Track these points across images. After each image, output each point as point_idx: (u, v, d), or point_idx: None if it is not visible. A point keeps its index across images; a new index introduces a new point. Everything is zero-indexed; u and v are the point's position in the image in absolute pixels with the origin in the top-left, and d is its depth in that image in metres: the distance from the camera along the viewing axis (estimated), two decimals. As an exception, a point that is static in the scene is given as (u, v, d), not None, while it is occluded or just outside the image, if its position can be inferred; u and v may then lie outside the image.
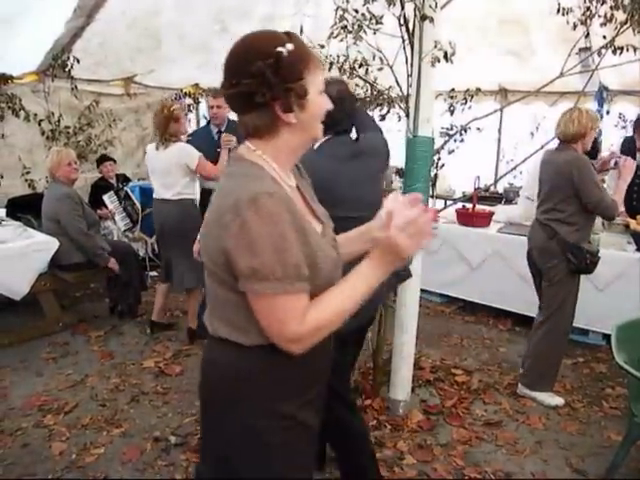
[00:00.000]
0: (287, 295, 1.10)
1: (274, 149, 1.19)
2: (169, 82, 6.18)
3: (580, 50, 3.39)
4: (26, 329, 3.89)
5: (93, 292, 4.88)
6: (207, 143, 3.85)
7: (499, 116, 6.48)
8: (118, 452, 2.61)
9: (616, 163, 3.07)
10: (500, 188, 6.25)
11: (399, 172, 5.90)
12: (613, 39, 2.68)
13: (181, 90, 6.37)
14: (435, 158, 2.80)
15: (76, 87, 5.32)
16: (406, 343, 2.88)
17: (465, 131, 2.95)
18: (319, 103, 1.19)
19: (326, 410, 1.45)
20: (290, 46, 1.11)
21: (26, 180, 5.20)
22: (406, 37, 2.61)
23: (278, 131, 1.17)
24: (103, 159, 5.43)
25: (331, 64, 2.89)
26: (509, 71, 5.82)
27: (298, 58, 1.12)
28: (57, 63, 4.93)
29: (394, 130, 6.96)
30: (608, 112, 5.59)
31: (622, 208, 3.24)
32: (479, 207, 4.66)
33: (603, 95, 5.39)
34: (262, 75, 1.09)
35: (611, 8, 2.64)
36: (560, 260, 2.95)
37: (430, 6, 2.41)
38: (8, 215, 4.29)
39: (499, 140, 6.80)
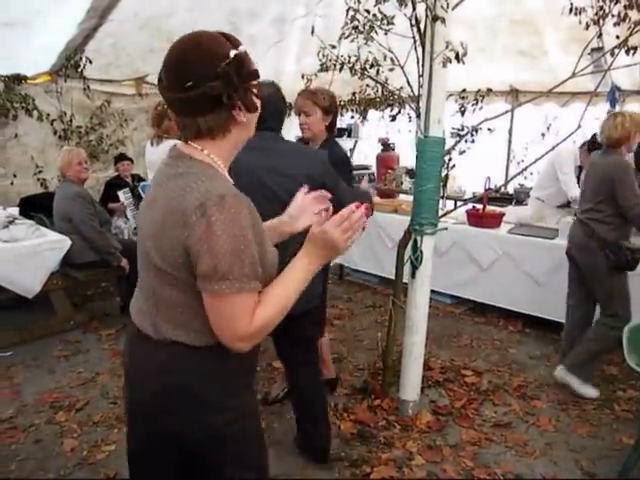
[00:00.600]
0: (242, 294, 1.12)
1: (220, 149, 1.21)
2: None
3: (592, 50, 3.36)
4: (38, 327, 3.93)
5: (104, 291, 4.92)
6: None
7: (510, 117, 6.45)
8: (129, 449, 2.63)
9: None
10: (510, 189, 6.23)
11: (409, 172, 5.90)
12: (627, 39, 2.67)
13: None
14: (446, 159, 2.79)
15: (88, 87, 5.39)
16: (416, 344, 2.88)
17: (476, 132, 2.95)
18: (258, 102, 1.23)
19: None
20: (242, 48, 1.14)
21: (38, 179, 5.27)
22: (417, 37, 2.61)
23: (229, 131, 1.20)
24: (121, 158, 5.47)
25: (342, 64, 2.89)
26: (520, 72, 5.80)
27: (250, 59, 1.17)
28: (70, 64, 5.01)
29: (404, 130, 7.00)
30: (620, 113, 5.55)
31: None
32: (489, 208, 4.64)
33: (615, 95, 5.34)
34: (228, 76, 1.11)
35: (625, 7, 2.62)
36: (599, 257, 3.01)
37: (442, 6, 2.41)
38: (21, 214, 4.33)
39: (509, 141, 6.77)
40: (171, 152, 1.25)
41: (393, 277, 3.08)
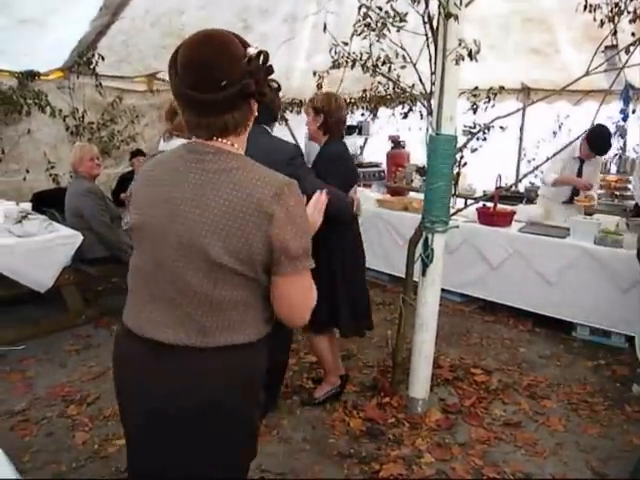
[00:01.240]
0: (310, 268, 1.24)
1: (241, 142, 1.26)
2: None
3: (606, 48, 3.33)
4: (50, 321, 3.96)
5: (115, 286, 4.94)
6: None
7: (521, 115, 6.41)
8: (139, 443, 2.65)
9: None
10: (521, 187, 6.20)
11: (419, 170, 5.88)
12: (642, 36, 2.64)
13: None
14: (458, 156, 2.78)
15: (100, 84, 5.42)
16: (426, 342, 2.87)
17: (488, 130, 2.93)
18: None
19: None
20: (256, 45, 1.19)
21: (50, 175, 5.31)
22: (430, 35, 2.60)
23: (248, 124, 1.26)
24: (137, 153, 5.51)
25: (354, 61, 2.89)
26: (532, 69, 5.76)
27: (268, 55, 1.20)
28: (82, 60, 5.03)
29: (415, 128, 6.98)
30: (634, 111, 5.51)
31: None
32: (500, 206, 4.62)
33: (629, 94, 5.30)
34: (257, 73, 1.15)
35: (641, 4, 2.60)
36: None
37: (455, 4, 2.40)
38: (33, 209, 4.37)
39: (521, 139, 6.73)
40: (195, 148, 1.22)
41: (403, 275, 3.08)
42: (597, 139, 4.23)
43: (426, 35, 2.62)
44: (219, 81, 1.11)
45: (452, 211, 2.86)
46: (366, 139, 8.30)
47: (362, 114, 7.60)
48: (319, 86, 3.47)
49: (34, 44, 4.38)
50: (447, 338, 3.88)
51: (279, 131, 7.20)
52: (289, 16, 5.14)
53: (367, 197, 5.46)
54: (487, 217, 4.43)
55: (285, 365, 2.94)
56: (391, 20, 2.69)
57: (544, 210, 4.68)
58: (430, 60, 2.65)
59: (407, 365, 3.00)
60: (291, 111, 7.23)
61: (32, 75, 5.01)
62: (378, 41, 2.76)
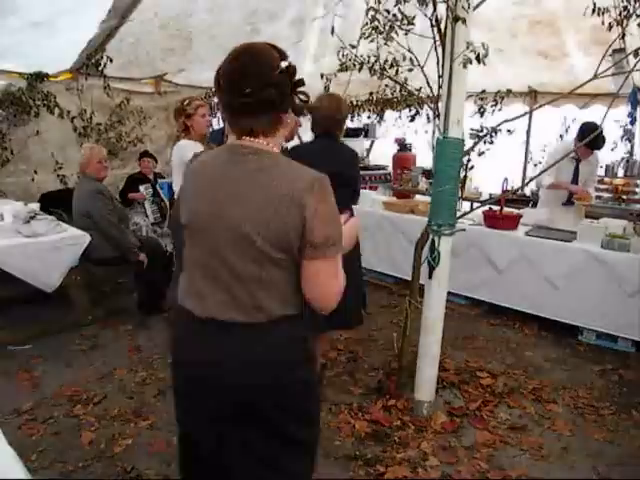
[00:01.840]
0: (339, 255, 1.35)
1: (276, 142, 1.40)
2: (199, 81, 6.27)
3: (614, 51, 3.32)
4: (57, 321, 3.98)
5: (121, 287, 4.97)
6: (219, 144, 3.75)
7: (528, 118, 6.40)
8: (145, 444, 2.66)
9: None
10: (527, 191, 6.18)
11: (425, 173, 5.88)
12: (651, 40, 2.63)
13: (211, 89, 6.44)
14: (464, 160, 2.78)
15: (108, 85, 5.45)
16: (431, 344, 2.87)
17: (495, 133, 2.93)
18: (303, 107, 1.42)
19: None
20: (288, 59, 1.34)
21: (58, 175, 5.34)
22: (438, 38, 2.60)
23: (278, 130, 1.38)
24: (145, 155, 5.55)
25: (362, 64, 2.90)
26: (539, 73, 5.75)
27: (295, 68, 1.35)
28: (91, 62, 5.06)
29: (421, 131, 6.98)
30: (642, 115, 5.48)
31: None
32: (506, 210, 4.61)
33: (637, 97, 5.27)
34: (281, 84, 1.30)
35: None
36: None
37: (462, 7, 2.40)
38: (41, 209, 4.39)
39: (527, 142, 6.72)
40: (238, 149, 1.36)
41: (409, 278, 3.08)
42: (591, 134, 4.22)
43: (434, 38, 2.62)
44: (244, 88, 1.27)
45: (458, 214, 2.86)
46: (372, 142, 8.31)
47: (369, 117, 7.61)
48: (326, 88, 3.47)
49: (43, 46, 4.41)
50: (453, 341, 3.87)
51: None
52: (297, 19, 5.16)
53: (373, 200, 5.46)
54: (493, 220, 4.42)
55: None
56: (399, 23, 2.69)
57: (548, 213, 4.68)
58: (437, 63, 2.65)
59: (413, 368, 3.00)
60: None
61: (41, 76, 5.05)
62: (385, 44, 2.76)
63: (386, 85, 3.79)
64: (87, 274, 4.10)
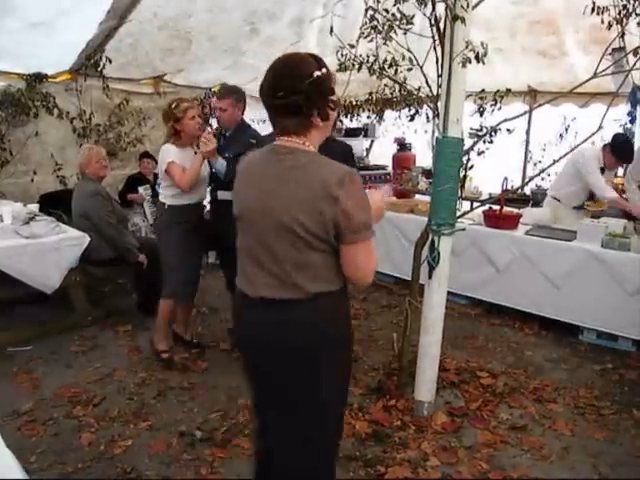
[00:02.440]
0: (372, 238, 1.54)
1: (312, 140, 1.58)
2: (198, 81, 6.26)
3: (613, 50, 3.32)
4: (56, 322, 3.98)
5: (121, 288, 4.96)
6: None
7: (527, 117, 6.39)
8: (145, 445, 2.66)
9: None
10: (527, 190, 6.17)
11: (425, 173, 5.88)
12: (650, 39, 2.63)
13: (210, 89, 6.44)
14: (464, 159, 2.77)
15: (107, 86, 5.45)
16: (432, 344, 2.86)
17: (495, 132, 2.92)
18: (335, 113, 1.61)
19: None
20: (324, 69, 1.52)
21: (58, 176, 5.34)
22: (437, 37, 2.60)
23: (310, 132, 1.56)
24: (145, 155, 5.54)
25: (361, 64, 2.89)
26: (539, 72, 5.75)
27: (329, 79, 1.54)
28: (90, 63, 5.06)
29: (420, 131, 6.97)
30: (642, 113, 5.47)
31: None
32: (506, 209, 4.61)
33: (637, 96, 5.27)
34: (307, 92, 1.47)
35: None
36: None
37: (462, 6, 2.39)
38: (41, 210, 4.39)
39: (527, 142, 6.71)
40: (278, 148, 1.56)
41: (409, 278, 3.07)
42: (623, 147, 4.23)
43: (433, 38, 2.62)
44: (277, 91, 1.47)
45: (458, 214, 2.85)
46: (372, 141, 8.30)
47: (368, 117, 7.60)
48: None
49: (42, 46, 4.41)
50: (453, 341, 3.87)
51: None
52: (296, 19, 5.15)
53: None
54: (493, 220, 4.42)
55: None
56: (398, 23, 2.68)
57: (551, 213, 4.66)
58: (437, 63, 2.64)
59: (413, 368, 3.00)
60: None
61: (40, 77, 5.05)
62: (385, 44, 2.75)
63: (385, 85, 3.78)
64: (86, 275, 4.09)
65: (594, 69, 2.76)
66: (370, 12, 2.71)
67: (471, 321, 4.37)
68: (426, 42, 2.67)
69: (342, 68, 2.87)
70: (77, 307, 4.07)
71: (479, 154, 3.01)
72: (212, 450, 2.62)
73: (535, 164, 6.65)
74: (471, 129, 3.14)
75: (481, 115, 3.19)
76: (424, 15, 2.59)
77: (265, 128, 7.34)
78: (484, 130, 2.99)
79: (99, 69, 5.14)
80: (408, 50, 2.77)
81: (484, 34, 4.02)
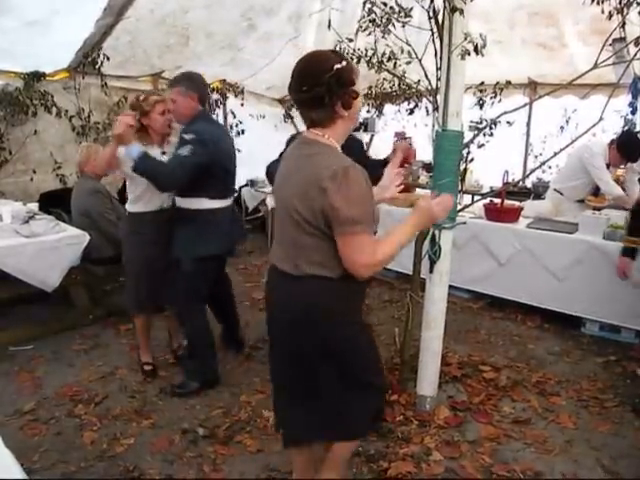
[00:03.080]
0: (366, 234, 1.61)
1: (334, 133, 1.70)
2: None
3: (614, 41, 3.29)
4: (58, 321, 3.98)
5: (122, 286, 4.95)
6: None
7: (527, 109, 6.35)
8: (147, 443, 2.66)
9: None
10: (528, 183, 6.15)
11: (426, 167, 5.85)
12: (652, 28, 2.60)
13: (208, 85, 6.40)
14: (464, 152, 2.75)
15: (106, 84, 5.43)
16: (434, 339, 2.86)
17: (495, 125, 2.90)
18: (359, 102, 1.72)
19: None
20: (344, 62, 1.63)
21: (57, 175, 5.33)
22: (435, 30, 2.57)
23: (335, 122, 1.68)
24: None
25: (359, 58, 2.87)
26: (539, 64, 5.71)
27: (350, 70, 1.65)
28: (88, 60, 5.04)
29: (420, 124, 6.94)
30: (643, 105, 5.44)
31: None
32: (507, 202, 4.59)
33: (638, 87, 5.24)
34: (329, 84, 1.58)
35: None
36: None
37: (460, -2, 2.37)
38: (40, 209, 4.38)
39: (527, 134, 6.68)
40: (303, 139, 1.73)
41: (410, 272, 3.06)
42: (630, 146, 4.19)
43: (431, 30, 2.59)
44: (302, 86, 1.62)
45: (459, 207, 2.84)
46: (372, 136, 8.26)
47: (368, 111, 7.57)
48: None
49: (39, 45, 4.39)
50: (455, 335, 3.86)
51: (285, 128, 7.21)
52: (293, 14, 5.13)
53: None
54: (494, 213, 4.40)
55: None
56: (396, 15, 2.67)
57: (553, 206, 4.64)
58: (436, 55, 2.62)
59: (415, 363, 2.99)
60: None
61: (38, 76, 5.03)
62: (383, 37, 2.73)
63: (384, 79, 3.75)
64: (87, 274, 4.09)
65: (594, 60, 2.73)
66: (368, 5, 2.70)
67: (473, 315, 4.36)
68: (425, 35, 2.65)
69: (340, 62, 2.84)
70: (78, 306, 4.07)
71: (479, 147, 2.99)
72: (215, 447, 2.62)
73: (536, 156, 6.61)
74: (471, 122, 3.12)
75: (481, 108, 3.17)
76: (422, 7, 2.57)
77: (264, 124, 7.35)
78: (484, 123, 2.97)
79: (97, 67, 5.13)
80: (407, 43, 2.75)
81: (483, 26, 4.00)
